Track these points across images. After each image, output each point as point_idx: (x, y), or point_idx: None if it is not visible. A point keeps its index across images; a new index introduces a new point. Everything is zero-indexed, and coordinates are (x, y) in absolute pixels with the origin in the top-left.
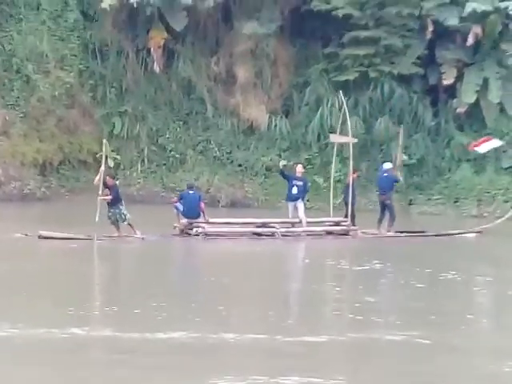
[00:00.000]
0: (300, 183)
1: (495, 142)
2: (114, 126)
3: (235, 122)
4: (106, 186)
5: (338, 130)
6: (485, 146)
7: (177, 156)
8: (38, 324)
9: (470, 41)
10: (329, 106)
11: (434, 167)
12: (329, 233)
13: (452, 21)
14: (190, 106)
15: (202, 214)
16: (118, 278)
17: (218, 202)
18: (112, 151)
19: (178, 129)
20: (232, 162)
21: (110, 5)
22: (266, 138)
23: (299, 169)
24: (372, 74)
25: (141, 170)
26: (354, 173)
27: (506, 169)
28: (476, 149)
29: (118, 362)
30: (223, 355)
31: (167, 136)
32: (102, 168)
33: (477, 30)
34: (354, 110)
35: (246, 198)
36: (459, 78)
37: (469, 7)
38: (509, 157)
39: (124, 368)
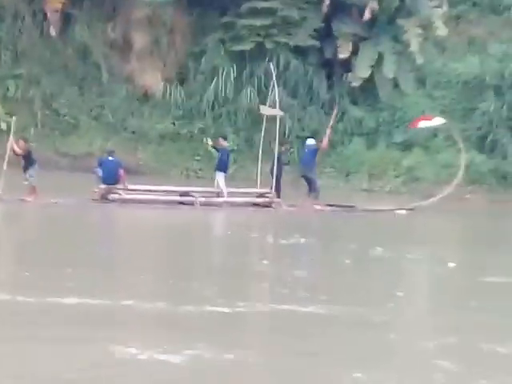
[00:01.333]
0: (219, 154)
1: (437, 121)
2: (7, 89)
3: (130, 88)
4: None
5: (268, 102)
6: (424, 123)
7: (70, 121)
8: None
9: (367, 15)
10: (224, 75)
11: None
12: (254, 204)
13: None
14: (85, 71)
15: (120, 180)
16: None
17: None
18: (5, 114)
19: (73, 93)
20: (126, 128)
21: None
22: (160, 105)
23: (220, 141)
24: (268, 45)
25: (34, 134)
26: (282, 145)
27: (398, 144)
28: (418, 125)
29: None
30: (126, 324)
31: (61, 100)
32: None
33: (373, 4)
34: (249, 80)
35: (138, 166)
36: (355, 52)
37: None
38: (401, 132)
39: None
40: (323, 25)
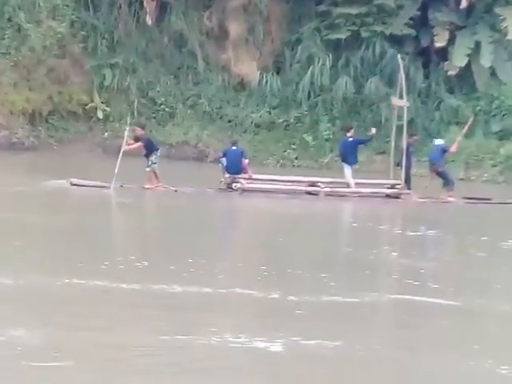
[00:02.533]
0: (342, 145)
1: None
2: (104, 78)
3: (226, 77)
4: (137, 139)
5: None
6: None
7: (166, 110)
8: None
9: (464, 3)
10: (320, 64)
11: (424, 129)
12: (386, 196)
13: None
14: (181, 59)
15: (244, 169)
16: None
17: (206, 157)
18: (102, 103)
19: (169, 82)
20: (221, 117)
21: None
22: (256, 94)
23: (349, 132)
24: (364, 34)
25: (130, 123)
26: (411, 137)
27: (496, 133)
28: None
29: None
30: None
31: (157, 89)
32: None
33: None
34: (345, 69)
35: None
36: (451, 40)
37: None
38: (498, 121)
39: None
40: (419, 13)
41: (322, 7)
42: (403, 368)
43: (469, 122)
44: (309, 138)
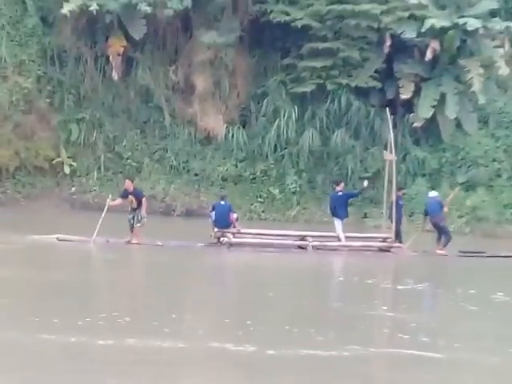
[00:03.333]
0: (332, 200)
1: None
2: (70, 133)
3: (192, 131)
4: (128, 192)
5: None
6: None
7: (133, 164)
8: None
9: (428, 56)
10: (285, 117)
11: (389, 181)
12: (379, 249)
13: (410, 34)
14: (147, 114)
15: (232, 224)
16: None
17: (174, 211)
18: (68, 157)
19: (135, 137)
20: (188, 171)
21: (69, 11)
22: (222, 148)
23: (337, 188)
24: (329, 87)
25: (97, 178)
26: (399, 190)
27: (462, 183)
28: None
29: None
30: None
31: (124, 144)
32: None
33: (435, 44)
34: (311, 121)
35: (201, 208)
36: (417, 92)
37: (428, 23)
38: (464, 172)
39: None
40: (384, 65)
41: (288, 60)
42: None
43: (456, 190)
44: (275, 191)
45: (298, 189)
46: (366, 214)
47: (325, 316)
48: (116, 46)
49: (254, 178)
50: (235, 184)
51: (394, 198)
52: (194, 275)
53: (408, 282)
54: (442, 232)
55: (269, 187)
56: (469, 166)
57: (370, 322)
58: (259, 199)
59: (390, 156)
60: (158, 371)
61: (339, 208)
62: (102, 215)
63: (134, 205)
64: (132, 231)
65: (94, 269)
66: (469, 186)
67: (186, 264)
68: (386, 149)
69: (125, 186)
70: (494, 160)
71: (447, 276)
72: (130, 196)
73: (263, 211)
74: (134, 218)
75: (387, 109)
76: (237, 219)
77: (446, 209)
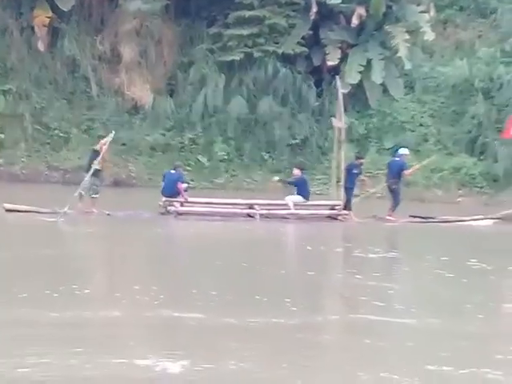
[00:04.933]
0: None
1: None
2: None
3: (119, 101)
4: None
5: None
6: None
7: (61, 135)
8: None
9: (355, 22)
10: (213, 85)
11: (318, 147)
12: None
13: (336, 1)
14: (74, 84)
15: (179, 193)
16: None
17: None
18: None
19: (63, 107)
20: (116, 141)
21: None
22: (150, 117)
23: (295, 172)
24: (256, 54)
25: (25, 149)
26: (357, 160)
27: (389, 149)
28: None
29: None
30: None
31: (51, 115)
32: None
33: (361, 11)
34: (238, 89)
35: (129, 178)
36: (343, 58)
37: None
38: (391, 137)
39: None
40: (311, 32)
41: (214, 29)
42: None
43: (431, 158)
44: (204, 159)
45: (226, 157)
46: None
47: (298, 285)
48: (41, 17)
49: (183, 147)
50: (163, 153)
51: (343, 165)
52: (144, 245)
53: (376, 250)
54: (392, 195)
55: (197, 155)
56: (396, 132)
57: (345, 290)
58: (187, 168)
59: (339, 123)
60: (108, 341)
61: (301, 192)
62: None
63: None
64: (81, 199)
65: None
66: (395, 151)
67: (136, 234)
68: (334, 116)
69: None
70: (421, 125)
71: (413, 243)
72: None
73: (192, 180)
74: (91, 186)
75: (337, 77)
76: (186, 189)
77: (407, 172)
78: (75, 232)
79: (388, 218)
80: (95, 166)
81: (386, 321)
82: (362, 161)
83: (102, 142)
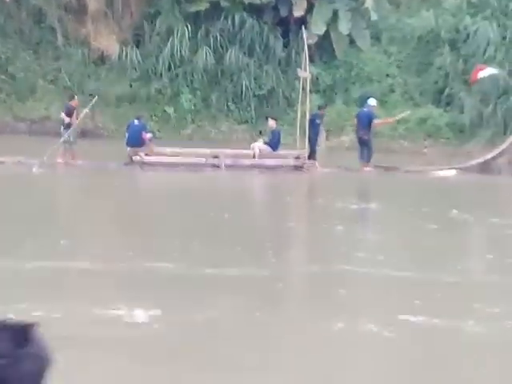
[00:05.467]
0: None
1: (490, 70)
2: None
3: (86, 51)
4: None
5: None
6: (482, 73)
7: (27, 85)
8: None
9: None
10: (179, 36)
11: (284, 98)
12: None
13: None
14: (40, 35)
15: (144, 143)
16: None
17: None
18: None
19: (28, 58)
20: (83, 91)
21: None
22: (116, 67)
23: (270, 123)
24: (223, 4)
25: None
26: (319, 109)
27: (355, 100)
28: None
29: None
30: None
31: (17, 65)
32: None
33: None
34: (204, 40)
35: (96, 128)
36: (310, 9)
37: None
38: (357, 88)
39: None
40: None
41: None
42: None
43: (407, 112)
44: (170, 110)
45: (193, 107)
46: (260, 131)
47: (281, 236)
48: None
49: (149, 98)
50: (130, 104)
51: (308, 116)
52: (111, 196)
53: (352, 201)
54: (365, 146)
55: (164, 106)
56: (363, 83)
57: (328, 240)
58: (154, 118)
59: (305, 74)
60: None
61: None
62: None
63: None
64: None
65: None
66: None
67: (103, 185)
68: (300, 67)
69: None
70: (388, 76)
71: (388, 194)
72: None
73: (158, 130)
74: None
75: (303, 28)
76: (150, 139)
77: (377, 122)
78: (45, 183)
79: (365, 169)
80: (74, 123)
81: (365, 271)
82: (323, 111)
83: (86, 110)
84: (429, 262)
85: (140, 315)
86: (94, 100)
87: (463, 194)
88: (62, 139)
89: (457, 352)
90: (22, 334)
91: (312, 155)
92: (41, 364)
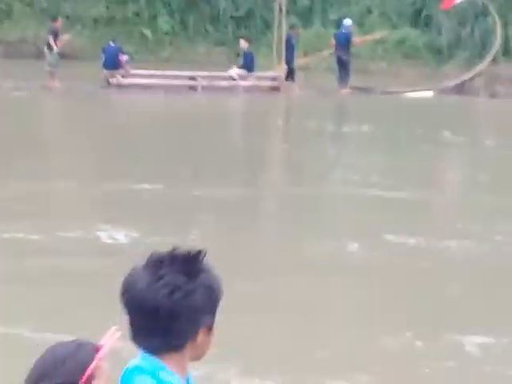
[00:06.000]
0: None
1: None
2: None
3: None
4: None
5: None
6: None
7: (3, 7)
8: None
9: None
10: None
11: (262, 19)
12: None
13: None
14: None
15: (121, 65)
16: None
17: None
18: None
19: None
20: (60, 14)
21: None
22: None
23: (242, 43)
24: None
25: None
26: (291, 29)
27: (333, 21)
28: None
29: None
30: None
31: None
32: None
33: None
34: None
35: (73, 51)
36: None
37: None
38: (336, 9)
39: None
40: None
41: None
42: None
43: (385, 32)
44: (147, 33)
45: (171, 30)
46: (238, 54)
47: (274, 158)
48: None
49: (126, 20)
50: (107, 26)
51: (284, 37)
52: (89, 119)
53: (336, 122)
54: (343, 68)
55: (141, 28)
56: (340, 4)
57: (313, 162)
58: (131, 41)
59: None
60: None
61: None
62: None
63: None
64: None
65: None
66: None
67: (79, 107)
68: None
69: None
70: None
71: (372, 115)
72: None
73: (136, 52)
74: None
75: None
76: (127, 61)
77: (357, 39)
78: (23, 106)
79: (343, 91)
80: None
81: (349, 193)
82: (296, 30)
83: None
84: (417, 183)
85: (120, 236)
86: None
87: (445, 115)
88: (47, 64)
89: (441, 271)
90: (192, 264)
91: (290, 76)
92: (213, 294)
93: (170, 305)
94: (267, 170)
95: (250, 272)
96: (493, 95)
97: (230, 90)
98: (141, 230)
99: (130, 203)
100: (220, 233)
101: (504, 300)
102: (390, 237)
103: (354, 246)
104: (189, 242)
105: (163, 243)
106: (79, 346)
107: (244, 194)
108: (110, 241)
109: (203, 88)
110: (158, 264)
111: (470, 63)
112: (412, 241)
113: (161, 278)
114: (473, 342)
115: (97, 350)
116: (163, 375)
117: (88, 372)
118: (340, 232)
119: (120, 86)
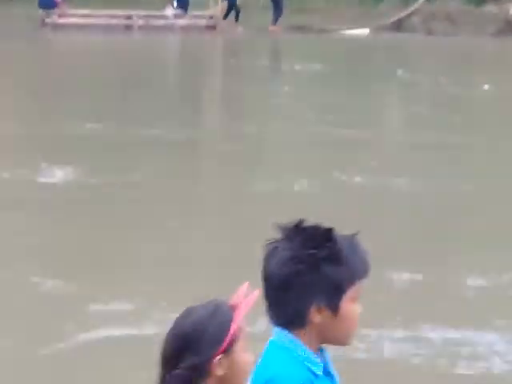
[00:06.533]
0: None
1: None
2: None
3: None
4: None
5: None
6: None
7: None
8: None
9: None
10: None
11: None
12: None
13: None
14: None
15: (56, 5)
16: None
17: None
18: None
19: None
20: None
21: None
22: None
23: None
24: None
25: None
26: None
27: None
28: None
29: None
30: None
31: None
32: None
33: None
34: None
35: None
36: None
37: None
38: None
39: None
40: None
41: None
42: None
43: None
44: None
45: None
46: None
47: (227, 98)
48: None
49: None
50: None
51: None
52: (26, 61)
53: (293, 61)
54: (276, 5)
55: None
56: None
57: (260, 100)
58: None
59: None
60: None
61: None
62: None
63: None
64: None
65: None
66: None
67: (20, 49)
68: None
69: None
70: None
71: (311, 54)
72: None
73: None
74: None
75: None
76: (63, 0)
77: None
78: None
79: (271, 29)
80: None
81: (300, 130)
82: None
83: None
84: (365, 122)
85: (57, 173)
86: None
87: (385, 52)
88: None
89: (384, 207)
90: (320, 237)
91: (234, 16)
92: (337, 268)
93: (297, 278)
94: (214, 110)
95: (188, 212)
96: (430, 32)
97: (167, 29)
98: (80, 170)
99: (69, 143)
100: (160, 174)
101: (436, 238)
102: (336, 174)
103: (302, 181)
104: (131, 182)
105: (103, 184)
106: (216, 307)
107: (186, 134)
108: (46, 179)
109: (140, 27)
110: (290, 236)
111: (406, 2)
112: (358, 179)
113: (291, 250)
114: (401, 278)
115: (233, 309)
116: (293, 348)
117: (230, 335)
118: (286, 169)
119: (55, 26)
